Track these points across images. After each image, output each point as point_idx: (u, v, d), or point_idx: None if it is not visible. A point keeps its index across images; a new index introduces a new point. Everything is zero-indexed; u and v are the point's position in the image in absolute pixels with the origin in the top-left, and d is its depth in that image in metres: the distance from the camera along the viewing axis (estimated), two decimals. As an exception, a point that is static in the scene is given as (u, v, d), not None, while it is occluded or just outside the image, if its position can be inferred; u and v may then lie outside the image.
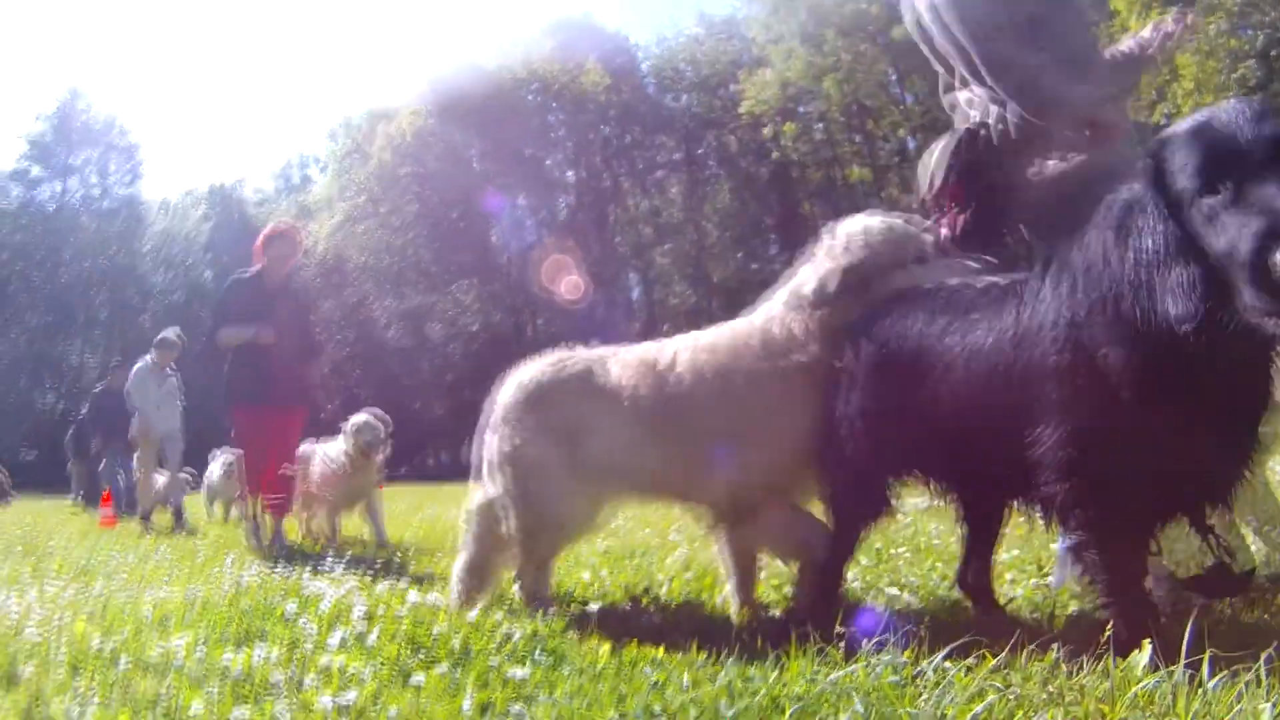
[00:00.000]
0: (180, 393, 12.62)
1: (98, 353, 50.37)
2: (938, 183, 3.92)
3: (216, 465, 13.48)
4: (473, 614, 3.85)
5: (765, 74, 46.79)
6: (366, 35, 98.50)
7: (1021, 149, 3.78)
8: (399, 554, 7.30)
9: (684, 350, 3.85)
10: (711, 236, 49.36)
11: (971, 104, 3.95)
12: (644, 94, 51.69)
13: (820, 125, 49.44)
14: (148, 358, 12.61)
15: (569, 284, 42.79)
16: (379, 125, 50.38)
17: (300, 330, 8.33)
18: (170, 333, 12.93)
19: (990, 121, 3.83)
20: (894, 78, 47.69)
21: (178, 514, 12.00)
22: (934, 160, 3.98)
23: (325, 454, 8.83)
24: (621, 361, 3.97)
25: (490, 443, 4.18)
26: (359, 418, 8.69)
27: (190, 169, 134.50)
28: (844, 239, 3.64)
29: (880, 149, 49.19)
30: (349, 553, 7.17)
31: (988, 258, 3.53)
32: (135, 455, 13.22)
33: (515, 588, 4.35)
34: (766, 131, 47.87)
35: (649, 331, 48.16)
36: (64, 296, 51.62)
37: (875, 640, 3.25)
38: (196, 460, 15.05)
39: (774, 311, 3.78)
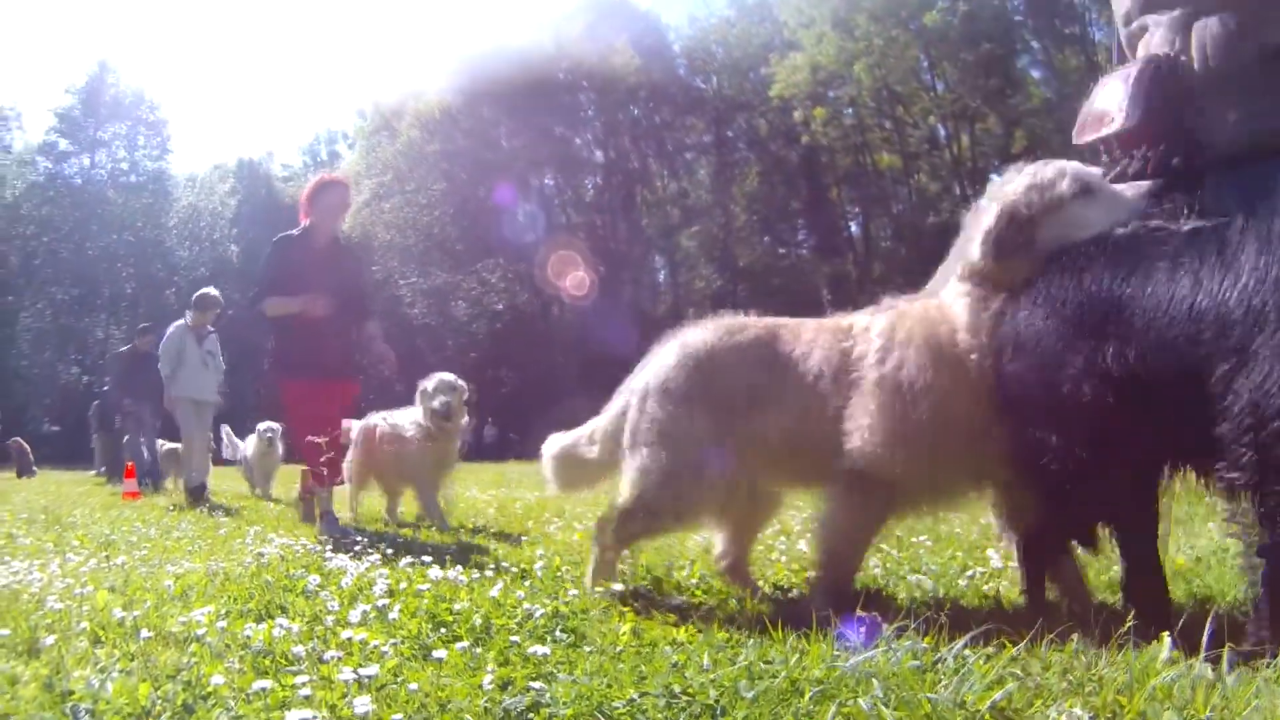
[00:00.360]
0: (221, 354, 12.08)
1: (123, 327, 50.64)
2: (1120, 120, 3.39)
3: (254, 438, 13.14)
4: (494, 591, 3.80)
5: (796, 58, 46.72)
6: (397, 11, 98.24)
7: (1222, 85, 3.26)
8: (463, 537, 6.84)
9: (872, 321, 3.53)
10: (739, 220, 49.35)
11: (1160, 26, 3.46)
12: (674, 75, 51.63)
13: (850, 110, 49.36)
14: (184, 318, 11.98)
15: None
16: (408, 103, 50.38)
17: (352, 291, 7.65)
18: (210, 289, 12.37)
19: (1191, 50, 3.33)
20: (925, 64, 47.61)
21: (199, 490, 11.29)
22: (1111, 95, 3.48)
23: (395, 425, 8.03)
24: (803, 332, 3.66)
25: (633, 410, 3.87)
26: (435, 378, 7.84)
27: (218, 143, 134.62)
28: (1007, 186, 3.40)
29: (910, 135, 49.05)
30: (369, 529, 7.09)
31: (1177, 203, 3.21)
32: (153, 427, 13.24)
33: (587, 577, 4.08)
34: (796, 116, 47.77)
35: (675, 315, 48.26)
36: (90, 270, 51.87)
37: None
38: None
39: (946, 281, 3.54)
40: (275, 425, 12.51)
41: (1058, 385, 2.94)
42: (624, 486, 3.83)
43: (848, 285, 45.37)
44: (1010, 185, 3.37)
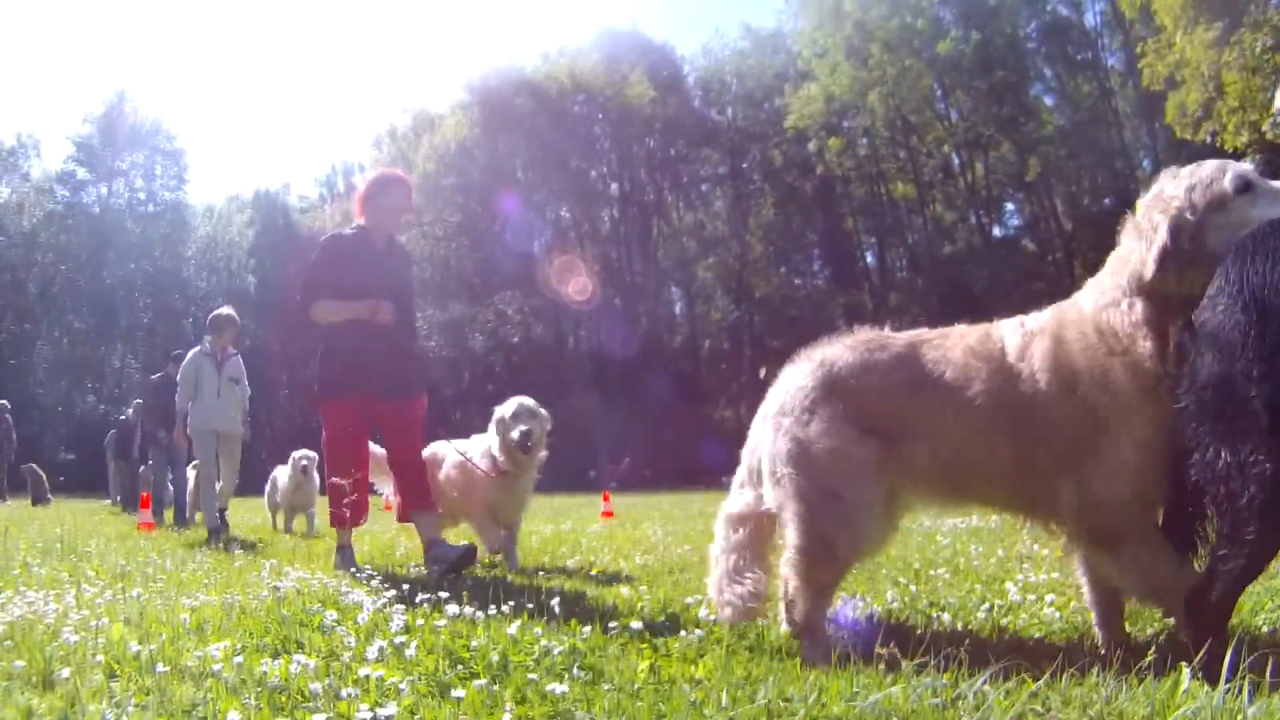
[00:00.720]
0: (245, 379, 11.39)
1: (139, 356, 50.93)
2: None
3: (286, 467, 12.37)
4: (512, 629, 3.70)
5: (810, 88, 47.05)
6: (411, 43, 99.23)
7: None
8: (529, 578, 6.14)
9: (1029, 339, 3.30)
10: (755, 251, 49.57)
11: None
12: (690, 107, 51.94)
13: (865, 140, 49.53)
14: (204, 342, 11.29)
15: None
16: (424, 135, 50.75)
17: (407, 302, 6.95)
18: (225, 308, 11.63)
19: None
20: (939, 93, 47.81)
21: (218, 531, 10.49)
22: None
23: (465, 455, 7.07)
24: (948, 346, 3.43)
25: (766, 438, 3.56)
26: (514, 404, 6.82)
27: (234, 174, 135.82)
28: (1174, 192, 3.16)
29: (924, 165, 49.17)
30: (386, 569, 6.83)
31: None
32: (185, 458, 12.68)
33: (782, 622, 3.83)
34: (811, 146, 47.96)
35: (692, 347, 48.43)
36: (107, 300, 52.20)
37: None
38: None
39: (1108, 297, 3.23)
40: (311, 454, 11.77)
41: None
42: (790, 528, 3.48)
43: (864, 315, 45.31)
44: (1169, 189, 3.20)
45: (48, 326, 52.66)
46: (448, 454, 7.40)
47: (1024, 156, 43.39)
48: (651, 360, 45.51)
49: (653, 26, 54.97)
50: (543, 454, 6.99)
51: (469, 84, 50.83)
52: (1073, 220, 43.96)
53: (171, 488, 13.73)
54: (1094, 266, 3.44)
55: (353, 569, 6.36)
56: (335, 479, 6.59)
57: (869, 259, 50.88)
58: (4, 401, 22.37)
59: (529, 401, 6.92)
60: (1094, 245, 36.00)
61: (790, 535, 3.45)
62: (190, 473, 12.89)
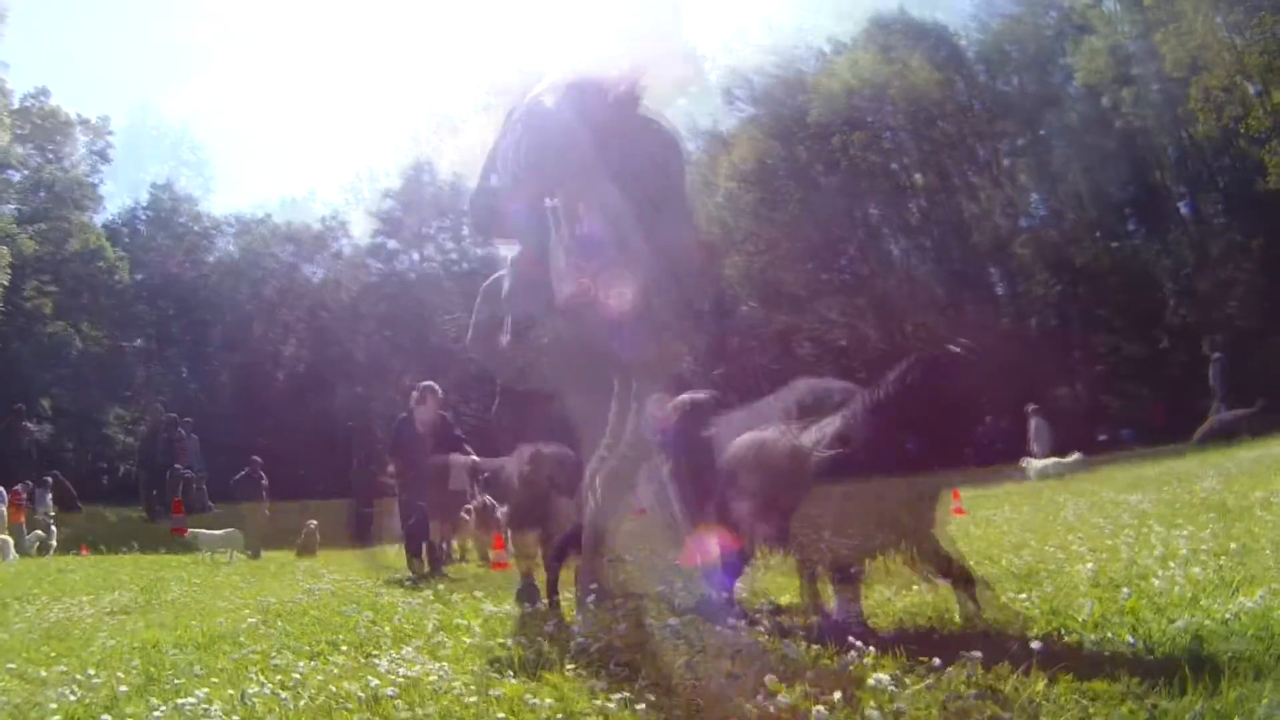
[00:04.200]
0: None
1: (474, 403, 53.92)
2: None
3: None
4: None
5: (1091, 40, 47.23)
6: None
7: None
8: None
9: None
10: (1069, 219, 49.78)
11: None
12: (976, 82, 53.19)
13: (1157, 86, 48.81)
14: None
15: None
16: (719, 156, 52.57)
17: None
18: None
19: None
20: (1220, 22, 46.75)
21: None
22: None
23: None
24: None
25: None
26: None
27: None
28: None
29: (1218, 101, 48.17)
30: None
31: None
32: None
33: None
34: (1104, 101, 47.82)
35: (1019, 328, 48.75)
36: (433, 356, 55.52)
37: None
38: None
39: None
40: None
41: None
42: None
43: (1188, 270, 45.44)
44: None
45: (380, 387, 56.21)
46: None
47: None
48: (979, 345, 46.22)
49: (919, 9, 53.95)
50: None
51: (752, 95, 52.53)
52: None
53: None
54: None
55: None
56: None
57: (1184, 210, 50.29)
58: (256, 458, 24.70)
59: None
60: None
61: None
62: None
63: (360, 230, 61.40)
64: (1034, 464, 21.81)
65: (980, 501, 13.91)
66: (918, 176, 53.71)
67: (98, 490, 52.89)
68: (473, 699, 3.36)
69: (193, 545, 20.41)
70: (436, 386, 13.25)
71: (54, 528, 25.51)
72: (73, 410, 54.42)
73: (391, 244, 60.08)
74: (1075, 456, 21.28)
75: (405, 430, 12.94)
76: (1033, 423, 25.74)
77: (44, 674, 4.82)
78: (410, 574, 11.59)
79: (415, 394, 12.77)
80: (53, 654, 5.64)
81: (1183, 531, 6.37)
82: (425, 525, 12.50)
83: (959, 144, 53.15)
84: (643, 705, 3.07)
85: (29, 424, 26.26)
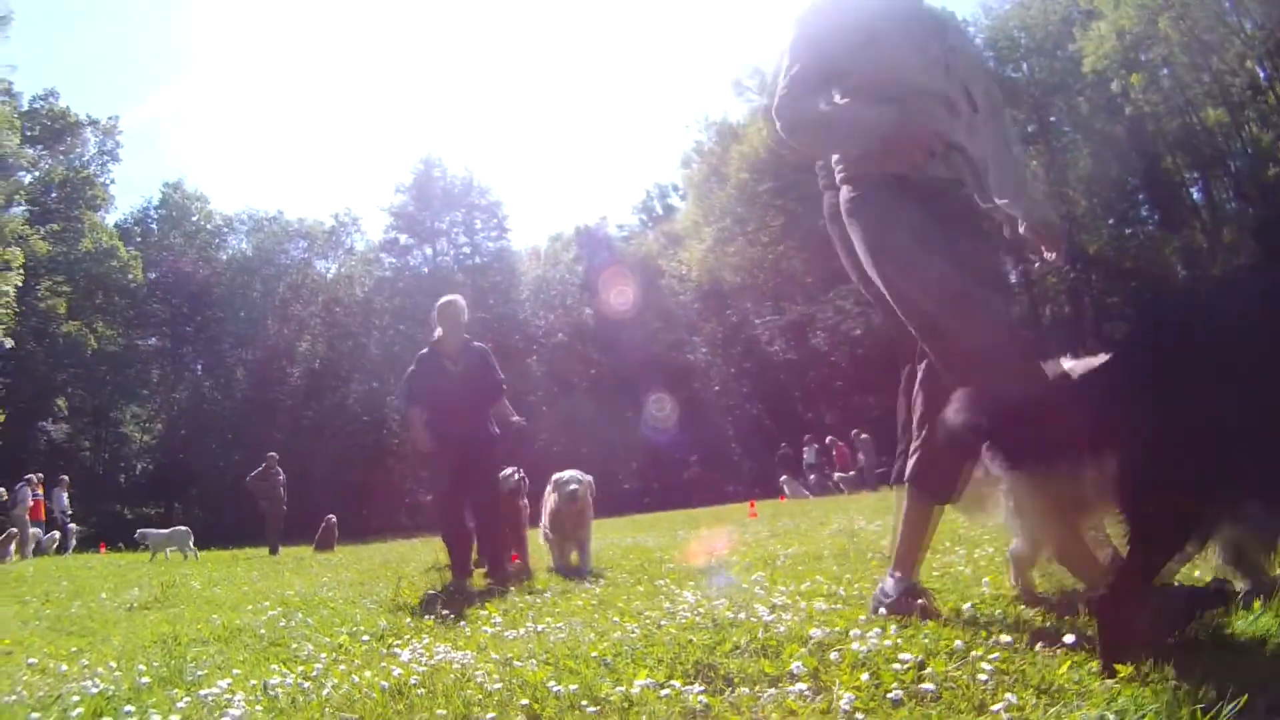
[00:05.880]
0: None
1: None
2: None
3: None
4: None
5: (1100, 26, 47.07)
6: (715, 56, 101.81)
7: None
8: None
9: None
10: (1080, 206, 49.61)
11: None
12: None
13: (1166, 71, 49.05)
14: None
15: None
16: (730, 146, 52.70)
17: (483, 396, 9.18)
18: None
19: None
20: (1228, 4, 46.68)
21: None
22: None
23: None
24: None
25: None
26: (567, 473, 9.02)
27: (554, 215, 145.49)
28: None
29: (1230, 85, 48.32)
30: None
31: None
32: None
33: None
34: (1114, 87, 47.97)
35: (1032, 314, 48.72)
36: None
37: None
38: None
39: None
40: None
41: None
42: None
43: (1200, 256, 45.42)
44: None
45: (395, 381, 56.38)
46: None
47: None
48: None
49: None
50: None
51: (763, 85, 52.54)
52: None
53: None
54: None
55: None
56: None
57: (1195, 195, 50.33)
58: (273, 454, 24.60)
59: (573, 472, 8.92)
60: None
61: None
62: None
63: (372, 226, 61.93)
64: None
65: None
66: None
67: (116, 489, 53.54)
68: (496, 685, 3.37)
69: (140, 544, 21.40)
70: (461, 300, 9.51)
71: (70, 526, 25.91)
72: (88, 409, 55.25)
73: (404, 239, 60.32)
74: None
75: (427, 371, 9.01)
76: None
77: (65, 668, 4.98)
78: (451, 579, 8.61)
79: (434, 316, 9.02)
80: (73, 648, 5.86)
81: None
82: (466, 529, 8.86)
83: (971, 130, 52.95)
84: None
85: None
